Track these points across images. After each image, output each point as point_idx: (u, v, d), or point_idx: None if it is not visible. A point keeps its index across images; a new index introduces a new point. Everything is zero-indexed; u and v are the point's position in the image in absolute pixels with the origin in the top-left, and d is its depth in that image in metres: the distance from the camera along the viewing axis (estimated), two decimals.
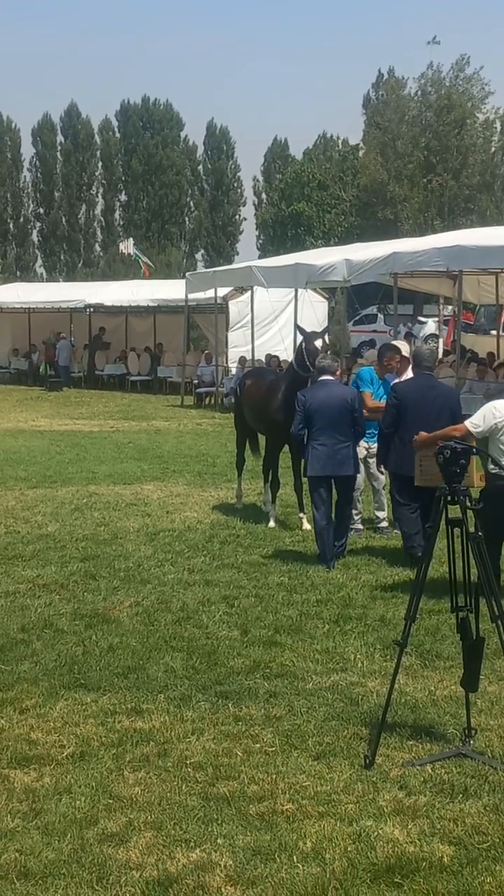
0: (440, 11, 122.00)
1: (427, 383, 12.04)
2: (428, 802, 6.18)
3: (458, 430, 9.84)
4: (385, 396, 13.11)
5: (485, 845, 5.69)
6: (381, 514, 13.96)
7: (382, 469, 13.30)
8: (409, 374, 13.04)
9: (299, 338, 14.71)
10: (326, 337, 14.49)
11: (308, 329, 14.59)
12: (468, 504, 6.85)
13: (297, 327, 14.64)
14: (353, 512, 13.40)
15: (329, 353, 13.34)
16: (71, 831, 5.90)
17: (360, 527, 13.76)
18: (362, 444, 13.29)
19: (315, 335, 14.01)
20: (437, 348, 35.72)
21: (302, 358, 13.69)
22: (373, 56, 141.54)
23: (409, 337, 34.30)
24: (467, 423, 9.95)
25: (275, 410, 14.08)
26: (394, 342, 15.09)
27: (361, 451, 13.35)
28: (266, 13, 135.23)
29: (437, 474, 10.09)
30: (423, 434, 10.43)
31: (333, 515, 12.39)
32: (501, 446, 9.84)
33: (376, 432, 13.04)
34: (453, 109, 61.88)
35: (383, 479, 13.81)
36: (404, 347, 13.95)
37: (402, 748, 6.94)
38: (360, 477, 13.74)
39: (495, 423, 9.82)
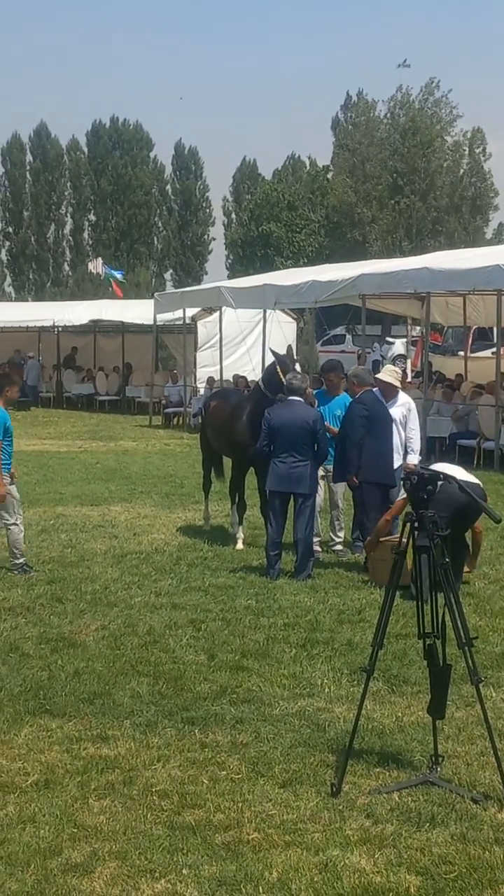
0: (411, 35, 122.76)
1: (378, 398, 13.21)
2: (395, 831, 6.14)
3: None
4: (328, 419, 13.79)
5: (451, 875, 5.66)
6: (338, 538, 13.99)
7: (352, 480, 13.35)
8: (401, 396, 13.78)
9: (268, 359, 14.70)
10: (294, 357, 14.46)
11: (280, 352, 14.61)
12: (435, 531, 6.83)
13: (272, 351, 14.67)
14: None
15: (299, 374, 13.33)
16: (34, 861, 5.84)
17: (318, 549, 13.73)
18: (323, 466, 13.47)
19: (291, 359, 14.03)
20: (406, 368, 35.85)
21: (274, 381, 13.63)
22: (342, 78, 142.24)
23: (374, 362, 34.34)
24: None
25: (239, 432, 14.04)
26: (389, 366, 15.32)
27: (320, 472, 13.43)
28: (236, 34, 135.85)
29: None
30: (371, 540, 12.11)
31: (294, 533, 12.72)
32: None
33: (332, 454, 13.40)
34: (418, 132, 62.21)
35: (342, 502, 13.91)
36: (395, 375, 14.05)
37: (369, 775, 6.91)
38: (319, 499, 13.75)
39: None
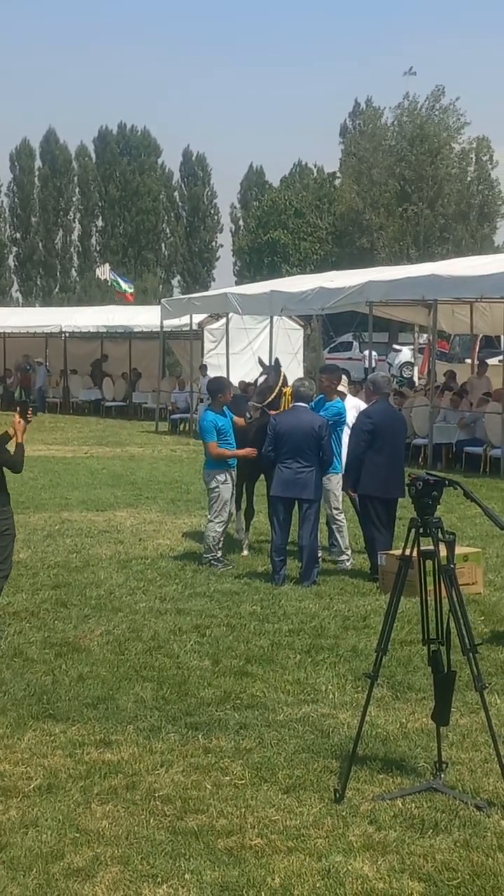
0: (418, 42, 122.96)
1: (390, 409, 13.20)
2: (398, 837, 6.12)
3: None
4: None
5: (454, 882, 5.64)
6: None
7: (350, 493, 13.33)
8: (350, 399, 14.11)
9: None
10: (281, 370, 14.43)
11: (267, 362, 14.74)
12: (440, 536, 6.82)
13: (259, 360, 14.97)
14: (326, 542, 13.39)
15: (306, 381, 13.33)
16: (37, 866, 5.82)
17: (347, 556, 13.64)
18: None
19: (266, 369, 14.42)
20: (413, 376, 35.81)
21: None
22: (349, 85, 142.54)
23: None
24: None
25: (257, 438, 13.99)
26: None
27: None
28: (243, 41, 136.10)
29: None
30: None
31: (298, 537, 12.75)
32: None
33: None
34: (426, 140, 62.21)
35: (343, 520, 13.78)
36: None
37: (373, 782, 6.88)
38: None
39: None
